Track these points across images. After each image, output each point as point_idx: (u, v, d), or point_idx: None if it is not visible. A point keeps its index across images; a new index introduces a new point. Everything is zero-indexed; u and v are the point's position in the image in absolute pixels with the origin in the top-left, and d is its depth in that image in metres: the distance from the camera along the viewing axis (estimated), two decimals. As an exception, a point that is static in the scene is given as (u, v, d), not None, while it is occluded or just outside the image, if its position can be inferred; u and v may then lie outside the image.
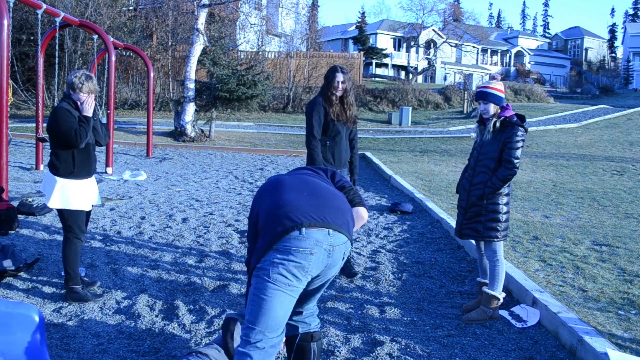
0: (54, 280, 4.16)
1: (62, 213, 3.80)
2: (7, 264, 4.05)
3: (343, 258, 2.44)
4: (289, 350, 2.69)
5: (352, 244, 2.50)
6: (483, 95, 3.71)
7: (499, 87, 3.72)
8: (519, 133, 3.62)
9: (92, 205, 4.04)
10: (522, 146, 3.64)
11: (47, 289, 3.97)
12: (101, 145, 4.04)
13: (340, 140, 4.40)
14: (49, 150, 3.94)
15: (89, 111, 3.78)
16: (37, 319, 2.67)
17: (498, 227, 3.67)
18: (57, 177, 3.78)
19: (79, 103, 3.78)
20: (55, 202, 3.74)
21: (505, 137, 3.63)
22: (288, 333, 2.62)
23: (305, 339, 2.63)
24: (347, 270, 4.48)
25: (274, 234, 2.28)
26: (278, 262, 2.24)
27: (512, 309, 3.83)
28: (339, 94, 4.31)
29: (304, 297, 2.54)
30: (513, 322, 3.67)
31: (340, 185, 2.73)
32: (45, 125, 9.98)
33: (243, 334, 2.31)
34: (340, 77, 4.28)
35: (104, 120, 9.64)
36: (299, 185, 2.51)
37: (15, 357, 2.56)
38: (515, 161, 3.60)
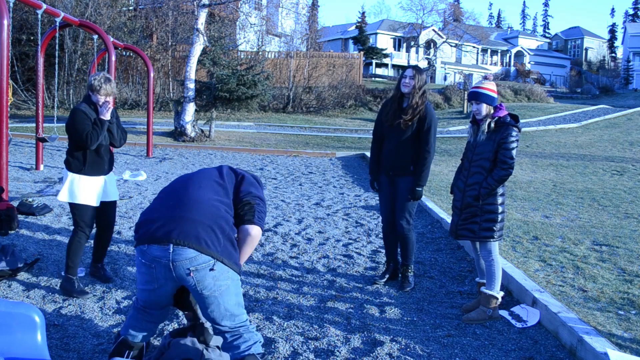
0: (54, 280, 4.16)
1: (70, 207, 3.98)
2: (7, 264, 4.06)
3: (191, 272, 2.42)
4: None
5: (220, 258, 2.46)
6: (475, 96, 3.71)
7: (491, 87, 3.72)
8: (514, 133, 3.62)
9: (116, 200, 4.24)
10: (516, 146, 3.64)
11: (47, 289, 3.97)
12: (115, 147, 4.19)
13: None
14: (50, 150, 4.02)
15: (106, 115, 3.93)
16: (37, 319, 2.67)
17: (494, 228, 3.67)
18: (69, 172, 3.96)
19: (98, 105, 3.93)
20: (64, 195, 3.92)
21: (499, 137, 3.63)
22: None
23: None
24: (403, 282, 4.37)
25: (140, 236, 2.53)
26: (137, 263, 2.57)
27: (512, 309, 3.83)
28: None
29: (201, 305, 2.55)
30: (513, 322, 3.67)
31: (240, 197, 2.72)
32: (45, 125, 9.94)
33: None
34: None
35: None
36: (176, 192, 2.64)
37: (15, 357, 2.56)
38: (511, 161, 3.60)
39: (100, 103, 3.90)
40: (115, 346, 2.78)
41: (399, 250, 4.44)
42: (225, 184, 2.74)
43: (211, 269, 2.45)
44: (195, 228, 2.45)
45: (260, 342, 2.63)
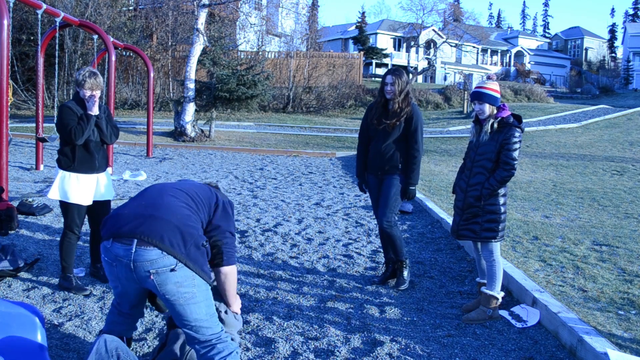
0: (54, 280, 4.15)
1: (60, 205, 3.97)
2: (6, 264, 4.06)
3: (151, 274, 2.34)
4: None
5: (184, 261, 2.38)
6: (478, 96, 3.69)
7: (494, 87, 3.71)
8: (517, 134, 3.61)
9: (110, 200, 4.21)
10: (519, 147, 3.63)
11: (47, 289, 3.97)
12: (107, 144, 4.11)
13: None
14: (50, 150, 4.03)
15: (93, 109, 3.90)
16: (37, 319, 2.67)
17: (495, 228, 3.67)
18: (59, 170, 3.94)
19: (85, 101, 3.90)
20: (54, 193, 3.91)
21: (502, 138, 3.62)
22: None
23: None
24: (397, 278, 4.38)
25: (107, 230, 2.49)
26: (102, 260, 2.53)
27: (512, 309, 3.83)
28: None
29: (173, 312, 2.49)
30: (513, 322, 3.67)
31: (210, 229, 2.71)
32: (45, 125, 9.93)
33: None
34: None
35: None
36: (150, 194, 2.64)
37: (15, 357, 2.55)
38: (513, 162, 3.59)
39: (86, 97, 3.87)
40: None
41: None
42: (202, 204, 2.70)
43: (172, 270, 2.36)
44: (161, 227, 2.40)
45: (236, 352, 2.54)
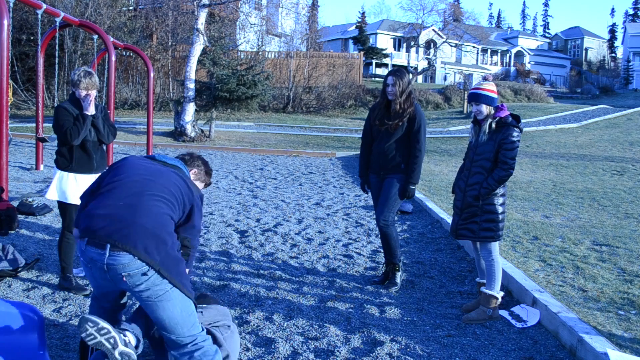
0: (54, 280, 4.16)
1: (59, 205, 3.97)
2: (6, 264, 4.06)
3: (124, 276, 2.34)
4: None
5: (157, 268, 2.36)
6: (475, 97, 3.73)
7: (490, 88, 3.74)
8: (515, 134, 3.62)
9: None
10: (517, 147, 3.64)
11: (47, 289, 3.97)
12: (104, 144, 4.10)
13: None
14: (50, 150, 4.04)
15: (89, 109, 3.89)
16: (37, 319, 2.67)
17: (494, 228, 3.68)
18: (57, 170, 3.95)
19: (81, 100, 3.90)
20: (52, 193, 3.91)
21: (500, 137, 3.64)
22: None
23: None
24: (389, 280, 4.38)
25: (82, 230, 2.44)
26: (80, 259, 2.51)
27: (512, 309, 3.83)
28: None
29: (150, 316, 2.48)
30: (513, 322, 3.67)
31: (181, 230, 2.66)
32: (45, 125, 9.93)
33: None
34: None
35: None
36: (131, 192, 2.50)
37: (15, 357, 2.56)
38: (511, 162, 3.60)
39: (82, 97, 3.87)
40: (80, 342, 2.79)
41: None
42: (180, 202, 2.62)
43: (144, 274, 2.34)
44: (137, 233, 2.36)
45: (217, 354, 2.52)
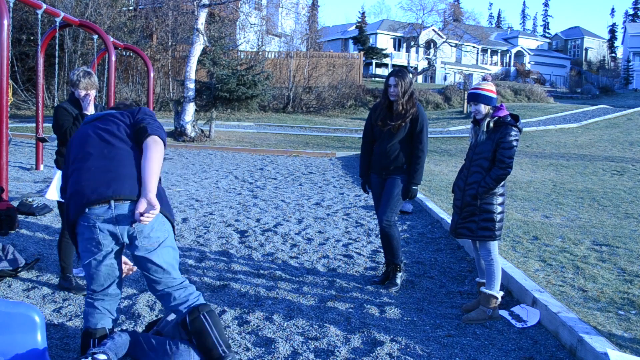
0: (54, 280, 4.15)
1: (59, 205, 3.97)
2: (6, 264, 4.06)
3: (132, 223, 2.58)
4: (188, 334, 2.73)
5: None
6: (474, 97, 3.74)
7: (489, 88, 3.75)
8: (513, 133, 3.63)
9: None
10: (515, 146, 3.65)
11: (47, 289, 3.97)
12: None
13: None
14: (50, 150, 4.05)
15: (89, 109, 3.91)
16: (37, 319, 2.67)
17: (492, 227, 3.68)
18: (57, 170, 3.95)
19: (80, 101, 3.92)
20: (52, 193, 3.92)
21: (498, 137, 3.65)
22: (178, 319, 2.78)
23: (194, 314, 2.70)
24: (389, 280, 4.38)
25: (76, 205, 2.61)
26: (80, 233, 2.64)
27: (512, 309, 3.83)
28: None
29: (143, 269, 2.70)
30: (513, 322, 3.67)
31: (136, 123, 2.79)
32: (45, 125, 9.94)
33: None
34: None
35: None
36: (97, 154, 2.69)
37: (15, 357, 2.56)
38: (509, 161, 3.61)
39: (81, 97, 3.88)
40: (81, 341, 2.83)
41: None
42: (127, 128, 2.78)
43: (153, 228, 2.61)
44: (125, 183, 2.59)
45: (200, 295, 2.79)
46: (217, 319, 2.76)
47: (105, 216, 2.57)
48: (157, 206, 2.57)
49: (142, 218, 2.55)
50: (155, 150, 2.66)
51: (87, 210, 2.58)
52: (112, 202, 2.56)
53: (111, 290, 2.77)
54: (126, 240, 2.63)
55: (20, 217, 5.77)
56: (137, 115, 2.84)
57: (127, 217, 2.58)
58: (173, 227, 2.79)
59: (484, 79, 3.99)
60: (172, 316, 2.96)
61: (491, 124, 3.69)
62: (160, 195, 2.70)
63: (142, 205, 2.55)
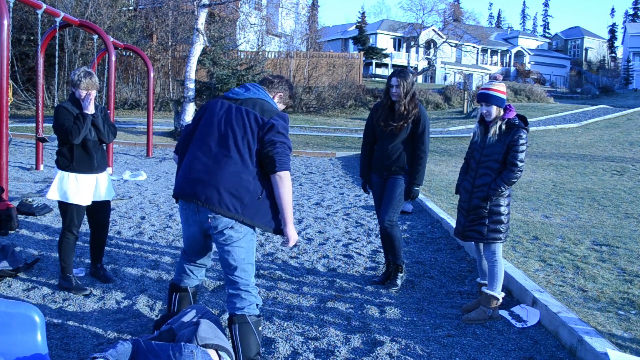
0: (54, 280, 4.15)
1: (59, 205, 3.96)
2: (6, 264, 4.06)
3: (209, 219, 2.78)
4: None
5: (240, 219, 2.76)
6: (485, 98, 3.67)
7: (501, 89, 3.68)
8: (524, 136, 3.62)
9: (109, 200, 4.19)
10: (526, 149, 3.64)
11: (47, 289, 3.97)
12: (104, 143, 4.10)
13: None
14: (50, 150, 4.06)
15: (89, 108, 3.91)
16: (37, 319, 2.67)
17: (501, 229, 3.67)
18: (58, 170, 3.94)
19: (80, 100, 3.92)
20: (53, 193, 3.90)
21: (509, 139, 3.62)
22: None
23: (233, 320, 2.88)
24: (390, 281, 4.39)
25: (177, 184, 2.97)
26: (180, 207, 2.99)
27: (512, 309, 3.83)
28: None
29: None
30: (513, 322, 3.67)
31: (263, 147, 2.82)
32: (45, 125, 9.95)
33: None
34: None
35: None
36: (209, 156, 2.85)
37: (15, 357, 2.56)
38: (520, 164, 3.60)
39: (82, 97, 3.89)
40: (168, 290, 3.24)
41: None
42: (252, 141, 2.82)
43: (231, 227, 2.78)
44: (217, 194, 2.75)
45: (258, 304, 2.88)
46: (249, 334, 2.81)
47: (192, 205, 2.85)
48: (294, 238, 2.89)
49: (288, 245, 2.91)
50: (283, 186, 2.83)
51: (180, 202, 2.94)
52: (199, 204, 2.79)
53: (201, 257, 3.11)
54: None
55: (20, 217, 5.77)
56: (267, 134, 2.82)
57: (206, 220, 2.81)
58: (266, 228, 2.89)
59: (494, 78, 3.93)
60: (189, 316, 2.94)
61: (503, 127, 3.66)
62: (251, 211, 2.81)
63: (290, 243, 2.90)
